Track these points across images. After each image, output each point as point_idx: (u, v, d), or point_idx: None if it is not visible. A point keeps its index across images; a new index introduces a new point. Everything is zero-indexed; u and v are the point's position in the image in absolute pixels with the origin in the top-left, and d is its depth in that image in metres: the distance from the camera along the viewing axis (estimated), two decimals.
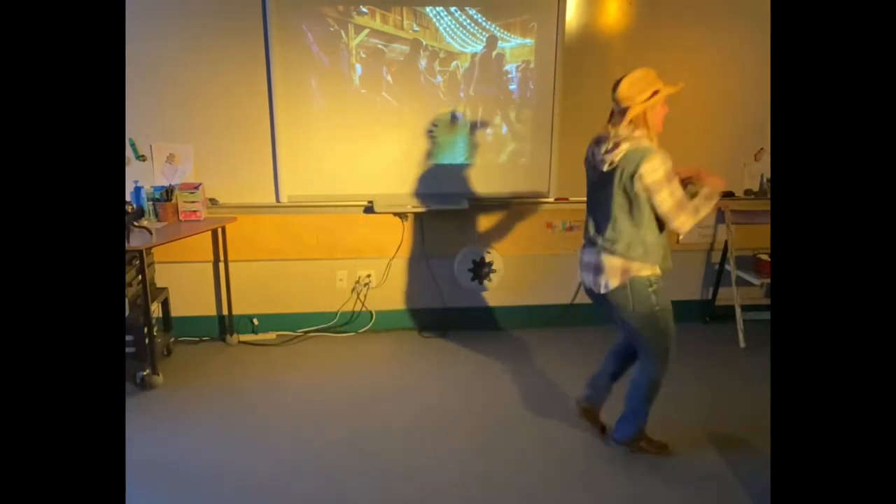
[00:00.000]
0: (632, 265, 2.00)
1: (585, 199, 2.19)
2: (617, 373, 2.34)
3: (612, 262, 2.02)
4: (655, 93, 1.93)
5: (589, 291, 2.18)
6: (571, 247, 3.63)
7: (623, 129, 1.96)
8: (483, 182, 3.47)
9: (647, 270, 2.00)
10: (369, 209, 3.37)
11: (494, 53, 3.29)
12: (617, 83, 1.96)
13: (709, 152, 3.61)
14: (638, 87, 1.92)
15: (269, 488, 2.08)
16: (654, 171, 1.89)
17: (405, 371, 3.07)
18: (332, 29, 3.15)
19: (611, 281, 2.03)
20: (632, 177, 1.92)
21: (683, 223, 1.94)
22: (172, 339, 3.30)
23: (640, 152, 1.90)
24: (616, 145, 1.95)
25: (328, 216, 3.42)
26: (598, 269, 2.06)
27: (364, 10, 3.14)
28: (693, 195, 2.02)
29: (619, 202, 1.98)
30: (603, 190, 2.02)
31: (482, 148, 3.43)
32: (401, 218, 3.47)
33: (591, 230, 2.10)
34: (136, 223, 2.73)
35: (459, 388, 2.86)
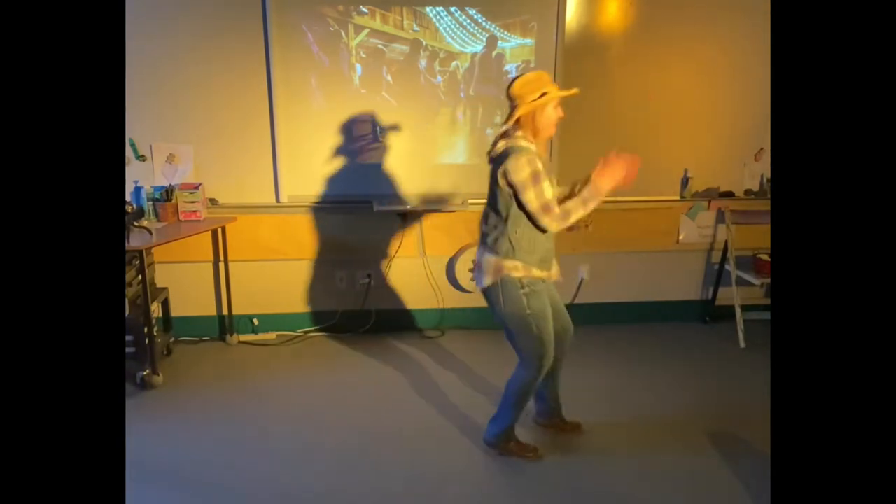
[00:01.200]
0: (504, 263, 2.02)
1: None
2: (550, 373, 2.35)
3: (487, 260, 2.06)
4: (544, 94, 1.96)
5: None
6: (571, 247, 3.63)
7: (510, 126, 2.01)
8: (483, 182, 3.45)
9: (519, 272, 2.02)
10: (369, 209, 3.37)
11: (494, 53, 3.29)
12: (512, 82, 2.00)
13: (709, 152, 3.61)
14: (529, 88, 1.96)
15: (269, 488, 2.08)
16: (520, 171, 1.91)
17: (405, 371, 3.07)
18: (332, 29, 3.15)
19: (485, 278, 2.07)
20: (500, 173, 1.97)
21: (549, 225, 1.95)
22: (172, 339, 3.30)
23: (510, 150, 1.95)
24: (495, 143, 2.02)
25: (328, 216, 3.42)
26: (478, 266, 2.11)
27: (364, 10, 3.14)
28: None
29: (492, 197, 2.04)
30: (489, 186, 2.07)
31: (482, 148, 3.43)
32: (401, 218, 3.47)
33: (482, 226, 2.14)
34: (136, 223, 2.73)
35: (460, 388, 2.86)
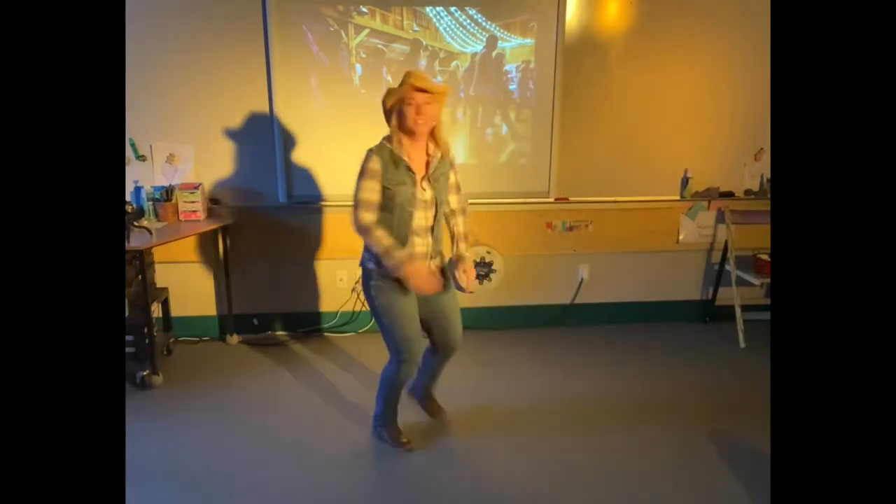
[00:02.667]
0: (364, 254, 2.12)
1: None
2: (429, 370, 2.44)
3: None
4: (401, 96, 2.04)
5: None
6: (571, 247, 3.64)
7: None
8: (483, 182, 3.47)
9: (371, 263, 2.09)
10: None
11: (494, 53, 3.29)
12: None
13: (709, 152, 3.61)
14: (389, 94, 2.09)
15: (269, 488, 2.08)
16: (360, 166, 2.02)
17: None
18: (332, 29, 3.15)
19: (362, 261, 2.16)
20: None
21: (352, 221, 1.99)
22: (172, 339, 3.30)
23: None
24: None
25: (328, 216, 3.42)
26: None
27: (364, 10, 3.14)
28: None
29: None
30: None
31: (482, 148, 3.43)
32: None
33: None
34: (136, 223, 2.73)
35: (459, 388, 2.86)
